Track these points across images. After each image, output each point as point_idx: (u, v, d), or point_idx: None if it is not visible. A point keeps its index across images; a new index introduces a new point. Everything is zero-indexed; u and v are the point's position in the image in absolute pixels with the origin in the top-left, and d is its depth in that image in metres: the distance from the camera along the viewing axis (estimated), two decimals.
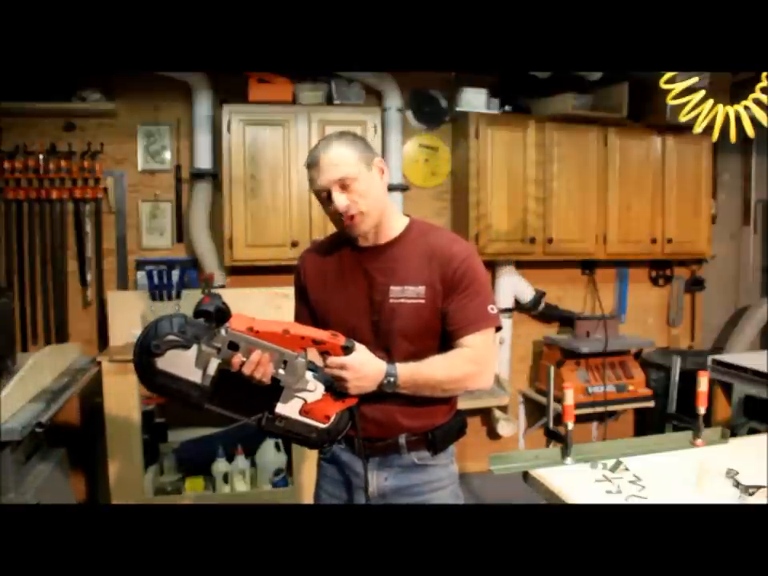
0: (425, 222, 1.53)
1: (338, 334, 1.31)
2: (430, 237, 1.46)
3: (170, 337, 1.25)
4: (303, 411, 1.32)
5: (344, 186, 1.36)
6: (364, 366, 1.32)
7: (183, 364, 1.26)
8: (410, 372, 1.36)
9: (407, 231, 1.47)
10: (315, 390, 1.32)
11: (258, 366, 1.25)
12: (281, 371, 1.27)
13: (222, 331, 1.24)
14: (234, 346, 1.24)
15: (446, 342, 1.44)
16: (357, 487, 1.48)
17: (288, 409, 1.32)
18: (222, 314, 1.24)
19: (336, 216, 1.40)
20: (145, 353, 1.25)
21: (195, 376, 1.27)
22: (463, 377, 1.41)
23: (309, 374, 1.31)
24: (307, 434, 1.34)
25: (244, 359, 1.25)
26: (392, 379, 1.34)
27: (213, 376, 1.26)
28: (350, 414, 1.37)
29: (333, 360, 1.30)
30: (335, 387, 1.33)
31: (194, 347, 1.26)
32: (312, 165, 1.39)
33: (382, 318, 1.40)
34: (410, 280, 1.41)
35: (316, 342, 1.28)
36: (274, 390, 1.30)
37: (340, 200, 1.36)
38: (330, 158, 1.36)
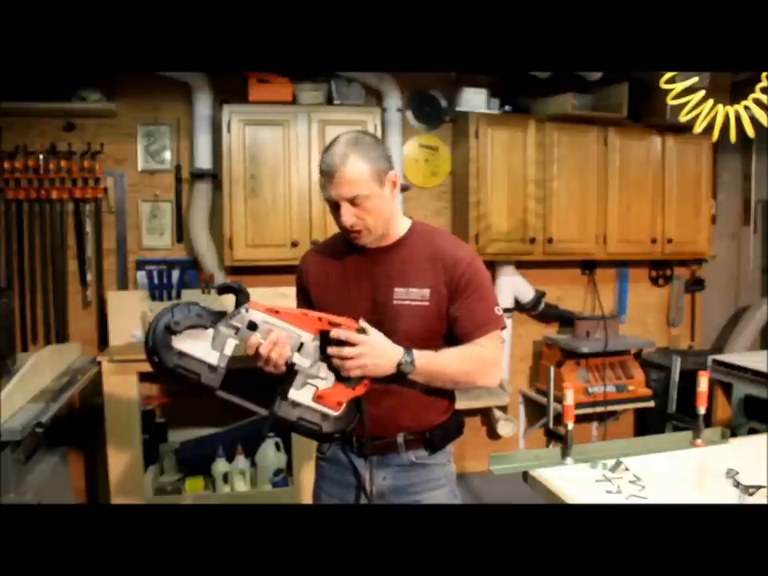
0: (426, 224, 1.55)
1: (350, 319, 1.33)
2: (433, 240, 1.48)
3: (189, 315, 1.27)
4: (316, 397, 1.34)
5: (353, 203, 1.37)
6: (383, 347, 1.34)
7: (199, 345, 1.27)
8: (426, 358, 1.37)
9: (410, 233, 1.49)
10: (327, 378, 1.34)
11: (276, 346, 1.27)
12: (296, 354, 1.30)
13: (243, 310, 1.27)
14: (252, 326, 1.27)
15: (450, 344, 1.45)
16: (355, 486, 1.49)
17: (301, 395, 1.33)
18: (243, 294, 1.28)
19: (341, 224, 1.41)
20: (161, 330, 1.25)
21: (211, 357, 1.28)
22: (473, 371, 1.43)
23: (321, 363, 1.33)
24: (320, 421, 1.35)
25: (262, 340, 1.27)
26: (409, 360, 1.35)
27: (229, 357, 1.27)
28: (357, 406, 1.38)
29: (353, 336, 1.31)
30: (346, 374, 1.34)
31: (211, 330, 1.27)
32: (325, 174, 1.37)
33: (386, 318, 1.40)
34: (414, 282, 1.42)
35: (332, 324, 1.31)
36: (287, 379, 1.32)
37: (347, 216, 1.37)
38: (345, 175, 1.34)
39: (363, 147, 1.37)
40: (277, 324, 1.28)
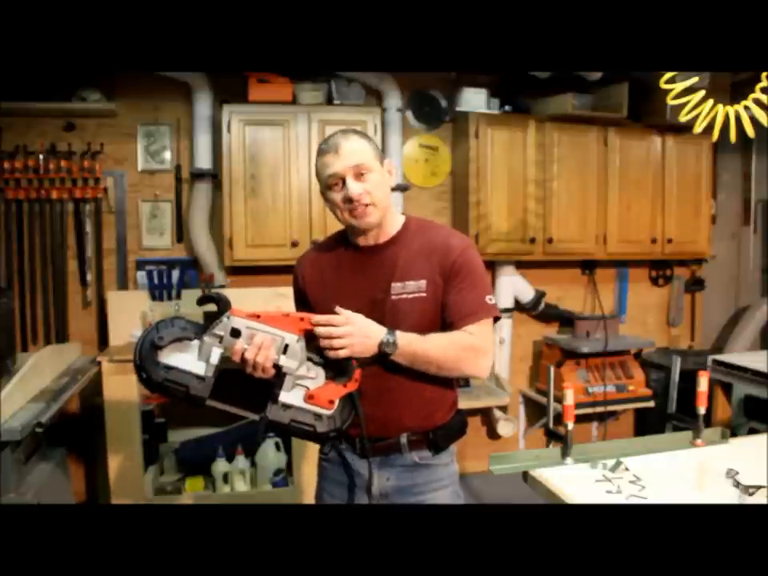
0: (421, 219, 1.55)
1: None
2: (427, 232, 1.48)
3: (173, 329, 1.28)
4: (307, 397, 1.33)
5: (359, 174, 1.38)
6: (367, 326, 1.34)
7: (185, 357, 1.28)
8: (408, 340, 1.36)
9: (404, 229, 1.49)
10: (317, 378, 1.35)
11: (261, 349, 1.27)
12: (282, 356, 1.30)
13: (225, 318, 1.27)
14: (236, 333, 1.28)
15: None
16: (358, 487, 1.48)
17: (292, 397, 1.33)
18: (224, 303, 1.28)
19: (345, 205, 1.40)
20: (147, 346, 1.26)
21: (198, 368, 1.28)
22: (459, 357, 1.41)
23: (309, 363, 1.34)
24: (313, 421, 1.34)
25: (246, 346, 1.27)
26: (391, 339, 1.34)
27: (216, 366, 1.28)
28: (352, 402, 1.37)
29: (335, 318, 1.31)
30: (335, 372, 1.35)
31: (196, 342, 1.29)
32: (329, 151, 1.39)
33: (385, 314, 1.40)
34: (410, 276, 1.42)
35: (314, 323, 1.32)
36: (276, 382, 1.32)
37: (355, 187, 1.37)
38: (351, 146, 1.38)
39: (360, 133, 1.45)
40: (259, 328, 1.29)
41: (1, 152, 3.16)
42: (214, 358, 1.28)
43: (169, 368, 1.27)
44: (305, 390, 1.33)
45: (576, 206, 3.58)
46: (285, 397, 1.33)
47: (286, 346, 1.30)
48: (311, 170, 3.23)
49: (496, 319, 1.46)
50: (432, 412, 1.47)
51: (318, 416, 1.34)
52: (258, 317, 1.29)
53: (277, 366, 1.30)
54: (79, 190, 3.25)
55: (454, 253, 1.43)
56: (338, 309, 1.34)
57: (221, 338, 1.28)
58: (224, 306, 1.28)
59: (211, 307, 1.30)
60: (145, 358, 1.27)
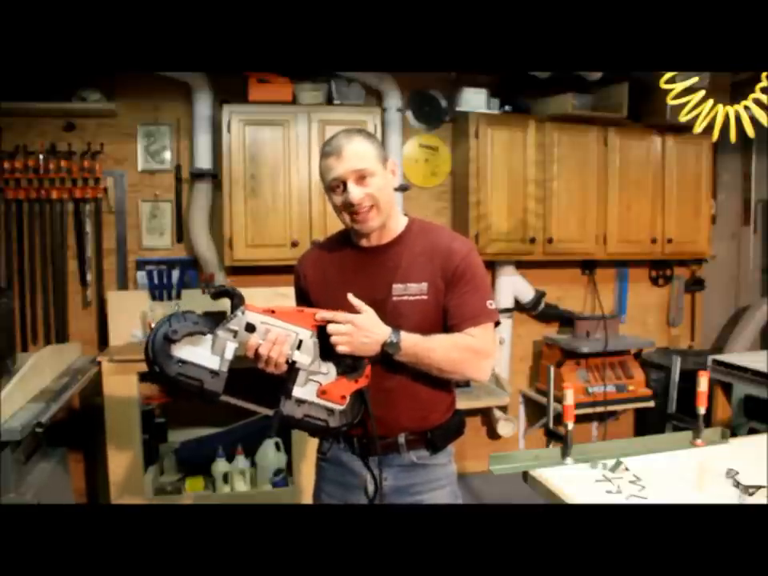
0: (423, 221, 1.55)
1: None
2: (430, 235, 1.48)
3: (186, 323, 1.27)
4: (320, 392, 1.34)
5: (361, 178, 1.38)
6: (372, 326, 1.34)
7: (199, 352, 1.28)
8: (413, 341, 1.37)
9: (407, 230, 1.49)
10: (328, 373, 1.35)
11: (275, 345, 1.28)
12: (296, 352, 1.30)
13: (239, 313, 1.27)
14: (250, 328, 1.28)
15: None
16: (355, 487, 1.48)
17: (305, 392, 1.34)
18: (238, 298, 1.29)
19: (346, 209, 1.40)
20: (160, 340, 1.25)
21: (212, 363, 1.28)
22: (461, 360, 1.42)
23: (320, 358, 1.34)
24: (326, 416, 1.35)
25: (261, 341, 1.27)
26: (395, 340, 1.35)
27: (230, 360, 1.28)
28: (361, 398, 1.38)
29: (341, 315, 1.31)
30: (346, 367, 1.35)
31: (209, 337, 1.28)
32: (332, 154, 1.38)
33: (386, 315, 1.40)
34: (412, 278, 1.43)
35: (327, 319, 1.32)
36: (289, 377, 1.33)
37: (356, 192, 1.37)
38: (354, 149, 1.37)
39: (364, 133, 1.44)
40: (274, 323, 1.29)
41: (1, 152, 3.16)
42: (229, 353, 1.28)
43: (182, 362, 1.26)
44: (317, 386, 1.34)
45: (576, 206, 3.58)
46: (298, 392, 1.33)
47: (300, 342, 1.31)
48: (311, 170, 3.27)
49: (496, 324, 1.47)
50: (430, 412, 1.47)
51: (331, 411, 1.35)
52: (273, 312, 1.29)
53: (290, 362, 1.31)
54: (79, 189, 3.25)
55: (457, 257, 1.43)
56: (350, 296, 1.34)
57: (235, 333, 1.28)
58: (238, 300, 1.28)
59: (223, 302, 1.30)
60: (158, 351, 1.25)
